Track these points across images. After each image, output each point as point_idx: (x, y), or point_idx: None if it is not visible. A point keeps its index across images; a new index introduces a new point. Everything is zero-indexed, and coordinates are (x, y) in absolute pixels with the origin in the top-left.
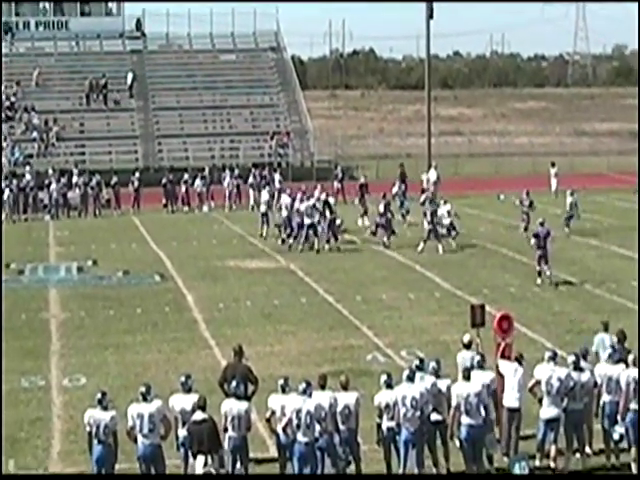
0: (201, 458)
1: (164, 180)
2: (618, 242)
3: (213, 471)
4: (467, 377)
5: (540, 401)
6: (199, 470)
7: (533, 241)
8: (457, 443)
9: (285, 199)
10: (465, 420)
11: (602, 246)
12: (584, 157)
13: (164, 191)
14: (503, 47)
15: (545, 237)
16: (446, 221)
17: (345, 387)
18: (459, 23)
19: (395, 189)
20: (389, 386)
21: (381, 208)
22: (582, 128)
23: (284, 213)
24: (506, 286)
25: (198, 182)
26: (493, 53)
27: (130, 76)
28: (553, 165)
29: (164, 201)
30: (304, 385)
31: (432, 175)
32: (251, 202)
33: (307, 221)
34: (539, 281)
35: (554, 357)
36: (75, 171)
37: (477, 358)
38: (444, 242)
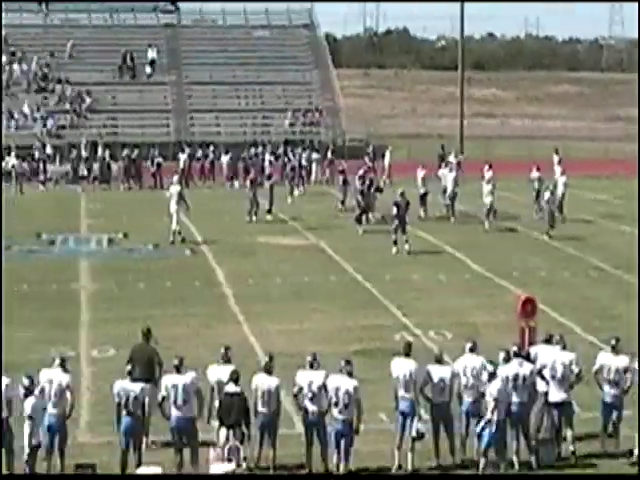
0: (224, 430)
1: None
2: None
3: (236, 444)
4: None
5: (601, 387)
6: (221, 441)
7: (394, 210)
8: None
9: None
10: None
11: (633, 232)
12: (617, 143)
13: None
14: (538, 30)
15: (405, 207)
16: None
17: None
18: (493, 5)
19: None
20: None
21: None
22: (616, 113)
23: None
24: (536, 270)
25: (226, 158)
26: (527, 36)
27: (150, 52)
28: (557, 152)
29: (230, 174)
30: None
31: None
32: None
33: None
34: (394, 250)
35: (615, 345)
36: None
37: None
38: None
